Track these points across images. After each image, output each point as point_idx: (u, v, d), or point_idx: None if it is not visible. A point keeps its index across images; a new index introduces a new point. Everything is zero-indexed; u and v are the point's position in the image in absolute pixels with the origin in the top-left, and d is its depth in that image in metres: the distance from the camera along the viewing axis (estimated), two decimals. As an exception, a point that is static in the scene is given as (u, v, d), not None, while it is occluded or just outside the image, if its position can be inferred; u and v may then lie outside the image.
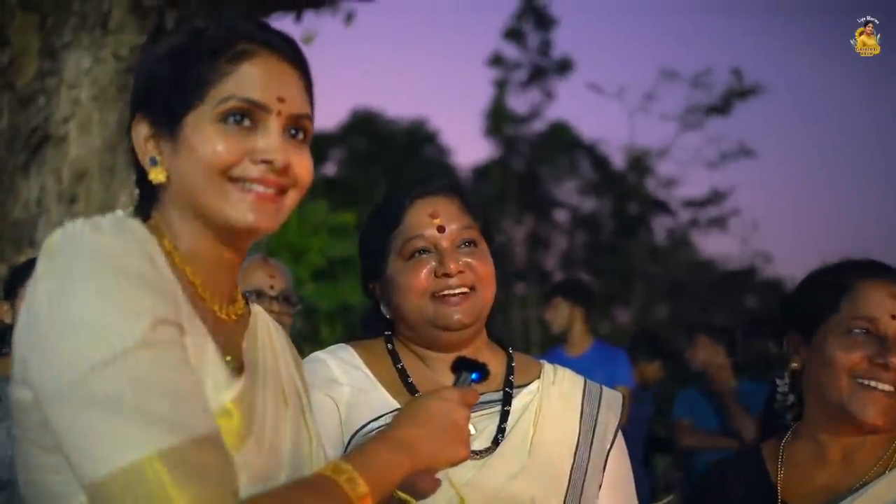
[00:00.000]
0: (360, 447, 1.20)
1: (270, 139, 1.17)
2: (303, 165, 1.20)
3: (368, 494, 1.11)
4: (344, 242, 9.52)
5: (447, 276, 1.61)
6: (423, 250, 1.64)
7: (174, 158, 1.18)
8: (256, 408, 1.18)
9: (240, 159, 1.16)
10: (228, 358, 1.16)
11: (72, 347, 1.01)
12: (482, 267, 1.64)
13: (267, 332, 1.32)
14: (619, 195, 23.67)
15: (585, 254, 24.19)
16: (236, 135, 1.16)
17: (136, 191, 1.26)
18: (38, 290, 1.06)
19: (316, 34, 5.29)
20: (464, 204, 1.69)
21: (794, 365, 1.72)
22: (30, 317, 1.06)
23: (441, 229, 1.64)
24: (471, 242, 1.65)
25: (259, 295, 2.75)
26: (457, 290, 1.61)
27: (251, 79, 1.17)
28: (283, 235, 8.90)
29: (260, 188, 1.17)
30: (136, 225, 1.13)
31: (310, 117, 1.23)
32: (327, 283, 9.45)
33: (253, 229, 1.18)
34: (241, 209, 1.16)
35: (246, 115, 1.17)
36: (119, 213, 1.18)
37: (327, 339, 8.55)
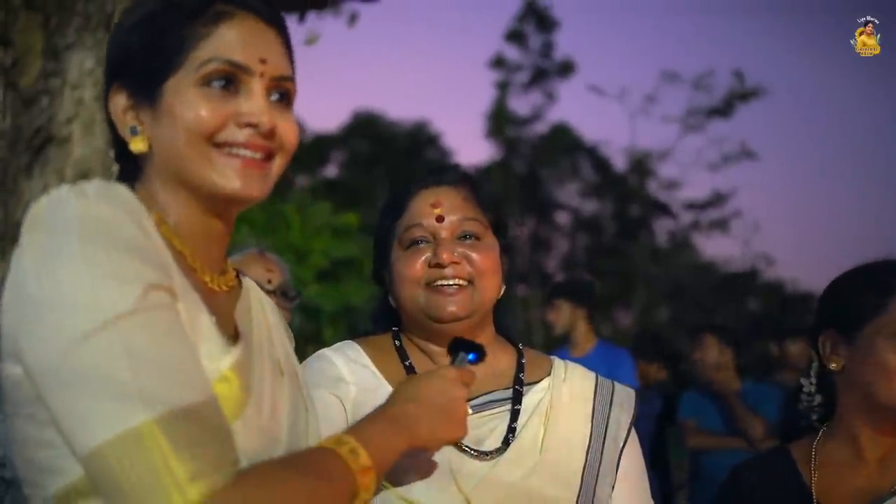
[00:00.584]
0: (358, 422, 1.18)
1: (254, 101, 1.14)
2: (288, 129, 1.17)
3: (371, 467, 1.10)
4: (347, 243, 9.51)
5: (440, 266, 1.58)
6: (422, 240, 1.62)
7: (155, 127, 1.15)
8: (254, 375, 1.16)
9: (224, 123, 1.13)
10: (217, 322, 1.13)
11: (62, 318, 0.98)
12: (482, 260, 1.60)
13: (260, 304, 1.30)
14: (620, 197, 23.68)
15: (587, 256, 24.19)
16: (219, 98, 1.13)
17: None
18: (23, 261, 1.02)
19: (320, 35, 5.28)
20: (472, 195, 1.66)
21: (834, 365, 1.69)
22: (16, 289, 1.03)
23: (440, 219, 1.62)
24: (472, 235, 1.62)
25: None
26: (451, 282, 1.58)
27: (231, 40, 1.14)
28: (286, 236, 8.91)
29: (247, 153, 1.14)
30: (123, 190, 1.08)
31: (292, 79, 1.19)
32: (330, 284, 9.43)
33: (240, 196, 1.15)
34: (228, 175, 1.13)
35: (228, 77, 1.13)
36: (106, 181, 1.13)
37: (330, 339, 8.53)
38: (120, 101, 1.17)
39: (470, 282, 1.59)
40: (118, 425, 0.95)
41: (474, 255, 1.60)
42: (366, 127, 23.80)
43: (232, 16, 1.15)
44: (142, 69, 1.15)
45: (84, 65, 4.45)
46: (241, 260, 2.82)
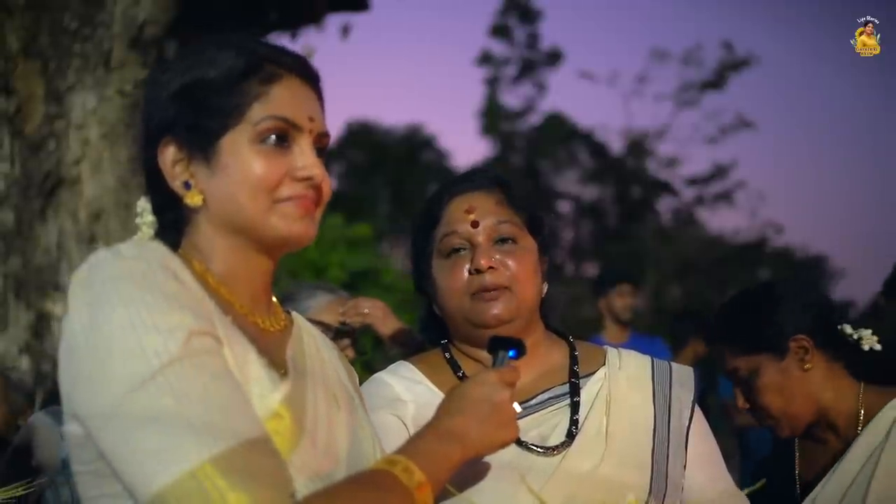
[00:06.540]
0: (408, 441, 1.20)
1: (307, 157, 1.21)
2: (328, 181, 1.25)
3: (426, 483, 1.12)
4: (363, 254, 9.53)
5: (479, 271, 1.59)
6: (460, 247, 1.63)
7: (211, 180, 1.20)
8: (307, 409, 1.19)
9: (282, 179, 1.20)
10: (268, 361, 1.17)
11: (111, 372, 1.03)
12: (518, 266, 1.61)
13: (312, 339, 1.35)
14: (620, 180, 23.63)
15: (593, 242, 24.15)
16: (274, 154, 1.19)
17: (151, 219, 1.26)
18: (72, 324, 1.08)
19: (315, 50, 5.29)
20: (504, 198, 1.66)
21: None
22: (68, 351, 1.08)
23: (475, 224, 1.62)
24: (508, 239, 1.63)
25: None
26: (491, 288, 1.59)
27: (284, 100, 1.21)
28: (304, 254, 8.91)
29: (302, 203, 1.21)
30: (156, 245, 1.16)
31: (329, 135, 1.28)
32: (351, 295, 9.42)
33: (300, 241, 1.22)
34: (290, 223, 1.20)
35: (282, 134, 1.20)
36: (140, 236, 1.22)
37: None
38: (169, 154, 1.21)
39: (508, 287, 1.59)
40: (174, 470, 0.98)
41: (511, 262, 1.61)
42: (361, 137, 23.81)
43: (281, 77, 1.22)
44: (196, 126, 1.19)
45: (87, 105, 4.44)
46: (325, 306, 2.77)
